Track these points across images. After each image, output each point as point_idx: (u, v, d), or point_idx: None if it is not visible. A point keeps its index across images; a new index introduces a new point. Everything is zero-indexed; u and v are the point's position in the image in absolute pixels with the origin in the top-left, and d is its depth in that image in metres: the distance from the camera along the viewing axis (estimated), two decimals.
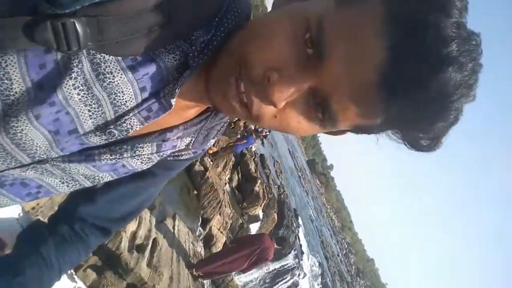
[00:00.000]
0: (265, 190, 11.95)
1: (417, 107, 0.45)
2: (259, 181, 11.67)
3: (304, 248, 17.68)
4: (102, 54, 0.48)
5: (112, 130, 0.56)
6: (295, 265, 14.13)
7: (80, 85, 0.49)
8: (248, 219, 11.36)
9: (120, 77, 0.51)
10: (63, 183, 0.65)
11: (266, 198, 11.97)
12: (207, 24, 0.54)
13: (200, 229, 8.44)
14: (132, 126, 0.56)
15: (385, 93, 0.45)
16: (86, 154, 0.59)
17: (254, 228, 12.22)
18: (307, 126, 0.54)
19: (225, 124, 0.75)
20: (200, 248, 7.29)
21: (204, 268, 6.52)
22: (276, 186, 16.54)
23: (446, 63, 0.42)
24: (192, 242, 6.82)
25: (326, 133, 0.58)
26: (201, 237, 7.97)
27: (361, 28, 0.45)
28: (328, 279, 23.31)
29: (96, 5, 0.46)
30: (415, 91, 0.44)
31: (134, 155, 0.63)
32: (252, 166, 12.20)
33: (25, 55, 0.45)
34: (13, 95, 0.47)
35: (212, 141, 0.78)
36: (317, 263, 20.65)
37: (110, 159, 0.61)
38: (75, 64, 0.47)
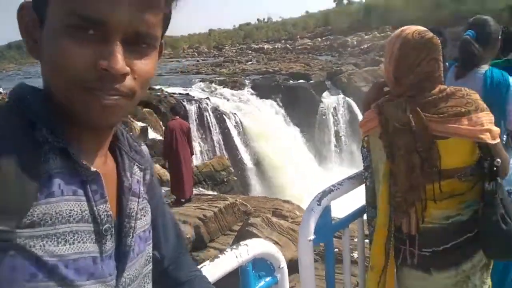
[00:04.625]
0: None
1: None
2: None
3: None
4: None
5: (101, 229, 0.59)
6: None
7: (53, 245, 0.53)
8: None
9: (57, 210, 0.54)
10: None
11: None
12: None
13: None
14: (106, 210, 0.60)
15: None
16: (123, 256, 0.64)
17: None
18: (152, 61, 0.60)
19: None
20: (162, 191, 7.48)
21: (183, 190, 6.82)
22: None
23: None
24: None
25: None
26: None
27: None
28: None
29: None
30: None
31: (134, 218, 0.67)
32: None
33: None
34: None
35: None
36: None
37: (132, 240, 0.65)
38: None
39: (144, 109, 14.04)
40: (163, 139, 7.45)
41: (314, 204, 1.68)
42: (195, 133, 14.12)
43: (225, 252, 1.32)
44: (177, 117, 7.37)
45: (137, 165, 0.72)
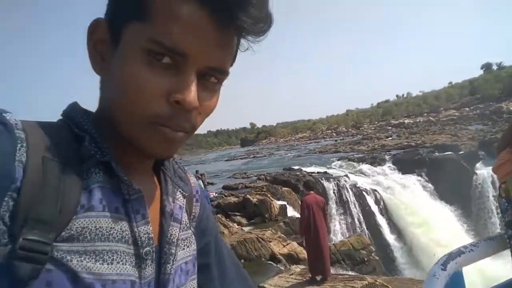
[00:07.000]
0: None
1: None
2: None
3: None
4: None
5: (142, 252, 0.56)
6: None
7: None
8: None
9: (97, 223, 0.52)
10: None
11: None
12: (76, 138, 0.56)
13: (277, 264, 8.50)
14: (147, 232, 0.57)
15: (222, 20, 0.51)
16: (162, 285, 0.60)
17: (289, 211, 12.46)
18: (217, 97, 0.59)
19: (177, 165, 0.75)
20: (298, 269, 7.31)
21: (321, 268, 6.56)
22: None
23: None
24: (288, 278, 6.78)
25: None
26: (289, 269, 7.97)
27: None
28: None
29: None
30: None
31: (175, 244, 0.63)
32: None
33: None
34: None
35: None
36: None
37: (172, 268, 0.61)
38: None
39: (283, 188, 14.46)
40: (300, 215, 7.32)
41: (437, 269, 1.42)
42: (334, 211, 13.84)
43: None
44: (312, 192, 7.31)
45: (180, 191, 0.69)
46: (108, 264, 0.51)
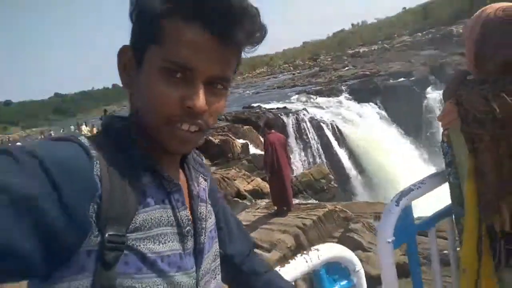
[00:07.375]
0: None
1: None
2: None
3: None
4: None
5: (184, 230, 0.72)
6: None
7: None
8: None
9: (157, 216, 0.67)
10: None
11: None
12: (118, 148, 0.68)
13: (243, 201, 8.84)
14: (187, 215, 0.73)
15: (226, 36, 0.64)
16: (199, 253, 0.75)
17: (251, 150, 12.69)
18: (224, 100, 0.71)
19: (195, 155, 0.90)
20: (263, 203, 7.67)
21: (286, 201, 6.91)
22: None
23: None
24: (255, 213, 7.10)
25: None
26: (255, 203, 8.29)
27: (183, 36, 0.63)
28: None
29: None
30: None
31: (204, 219, 0.79)
32: None
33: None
34: None
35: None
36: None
37: (204, 239, 0.77)
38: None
39: (245, 127, 14.62)
40: (263, 153, 7.52)
41: (392, 205, 1.59)
42: (294, 145, 14.26)
43: (295, 257, 1.34)
44: (273, 130, 7.47)
45: (201, 176, 0.85)
46: (162, 244, 0.66)
